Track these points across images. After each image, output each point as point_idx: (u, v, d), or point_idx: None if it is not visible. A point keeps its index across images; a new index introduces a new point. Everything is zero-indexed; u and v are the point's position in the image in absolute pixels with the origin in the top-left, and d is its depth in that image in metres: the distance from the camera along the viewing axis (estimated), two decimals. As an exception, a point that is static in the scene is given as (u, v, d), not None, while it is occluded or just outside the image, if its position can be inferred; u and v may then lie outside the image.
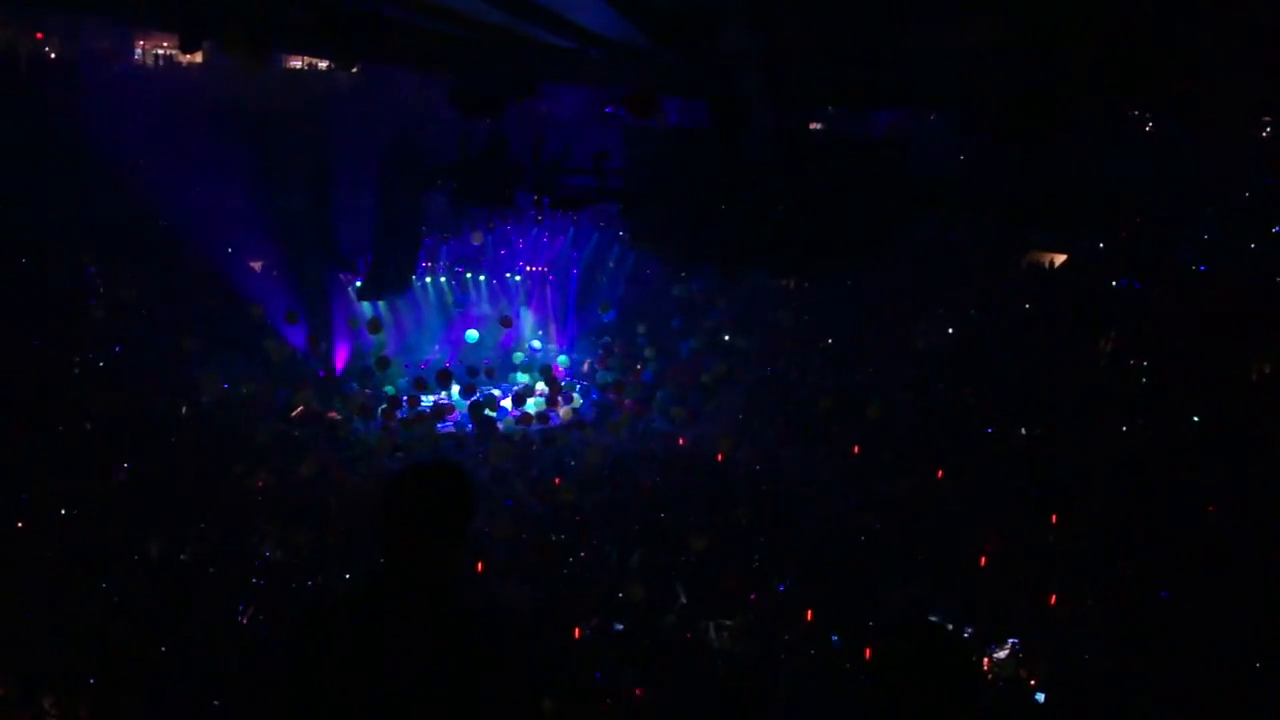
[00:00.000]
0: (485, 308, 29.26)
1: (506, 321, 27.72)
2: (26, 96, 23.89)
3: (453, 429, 23.72)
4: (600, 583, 14.96)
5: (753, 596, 14.47)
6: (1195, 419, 18.81)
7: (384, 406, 23.34)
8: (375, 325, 25.45)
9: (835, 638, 13.29)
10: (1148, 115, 20.78)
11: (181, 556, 14.99)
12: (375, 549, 3.26)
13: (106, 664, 11.92)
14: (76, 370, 21.69)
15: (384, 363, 24.97)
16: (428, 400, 24.07)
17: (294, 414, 22.83)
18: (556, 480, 19.72)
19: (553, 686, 11.44)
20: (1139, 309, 21.67)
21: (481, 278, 29.19)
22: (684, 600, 14.24)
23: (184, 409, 21.18)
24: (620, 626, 13.62)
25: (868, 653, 13.48)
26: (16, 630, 12.75)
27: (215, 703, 11.26)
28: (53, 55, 28.56)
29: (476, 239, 27.90)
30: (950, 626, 13.53)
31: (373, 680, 3.08)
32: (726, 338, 26.54)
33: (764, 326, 26.29)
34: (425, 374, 25.10)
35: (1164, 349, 20.68)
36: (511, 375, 27.61)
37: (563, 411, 24.95)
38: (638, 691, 12.14)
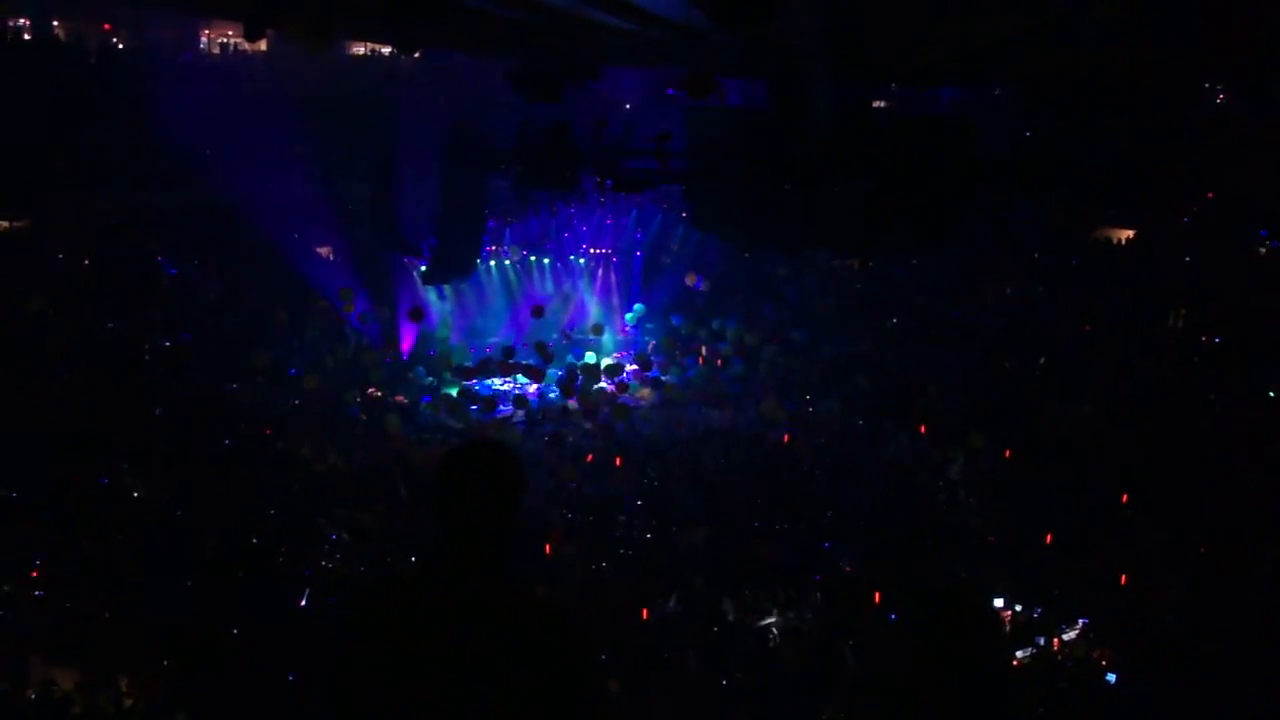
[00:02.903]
0: (550, 288, 29.35)
1: (538, 311, 27.63)
2: (96, 86, 24.24)
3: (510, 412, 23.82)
4: (666, 564, 15.00)
5: (818, 577, 14.44)
6: (1271, 395, 18.55)
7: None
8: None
9: (893, 615, 13.22)
10: (1219, 90, 20.46)
11: (253, 540, 15.19)
12: (435, 528, 3.36)
13: (180, 645, 12.13)
14: (147, 356, 22.03)
15: (446, 352, 25.33)
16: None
17: (361, 397, 23.09)
18: (618, 460, 19.74)
19: (619, 667, 11.49)
20: (1210, 286, 21.35)
21: (546, 261, 29.24)
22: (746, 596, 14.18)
23: (250, 393, 21.41)
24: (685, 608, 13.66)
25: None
26: (93, 614, 13.01)
27: (287, 678, 11.44)
28: (120, 46, 29.02)
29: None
30: (1019, 607, 13.47)
31: (429, 655, 3.17)
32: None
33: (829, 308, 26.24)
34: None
35: (1236, 326, 20.38)
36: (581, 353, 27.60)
37: (644, 392, 24.95)
38: (685, 664, 12.18)
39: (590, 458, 20.17)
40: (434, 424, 22.49)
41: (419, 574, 3.50)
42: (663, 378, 25.06)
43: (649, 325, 28.67)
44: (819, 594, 13.99)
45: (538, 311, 26.81)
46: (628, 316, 28.37)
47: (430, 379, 24.97)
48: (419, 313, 25.59)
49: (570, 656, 3.26)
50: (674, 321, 27.78)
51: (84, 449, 17.33)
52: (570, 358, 26.55)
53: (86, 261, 23.22)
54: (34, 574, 13.81)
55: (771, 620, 13.37)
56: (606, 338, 28.00)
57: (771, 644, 12.99)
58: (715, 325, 26.74)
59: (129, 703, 11.46)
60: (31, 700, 11.35)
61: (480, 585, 3.27)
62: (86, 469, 16.88)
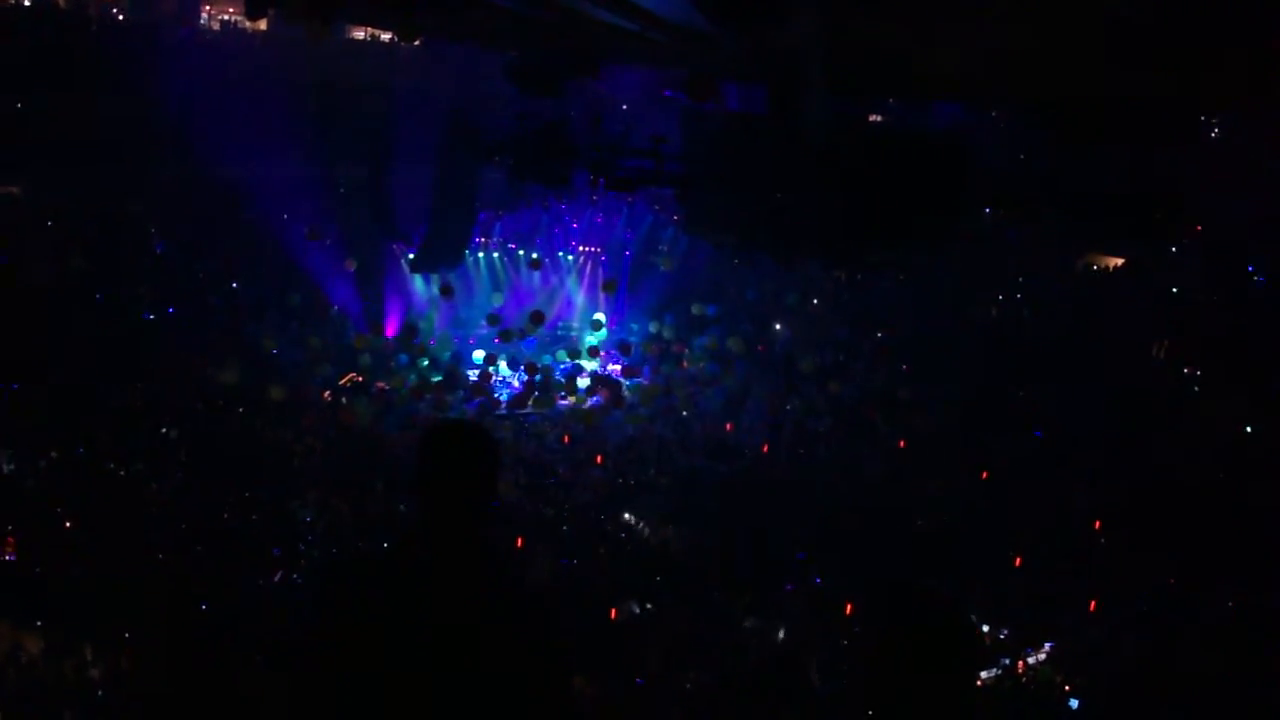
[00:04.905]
0: (536, 282, 29.31)
1: (536, 264, 28.12)
2: (96, 60, 24.07)
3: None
4: (637, 564, 15.00)
5: (789, 588, 14.45)
6: (1247, 430, 18.62)
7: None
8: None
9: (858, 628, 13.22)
10: (1214, 120, 20.52)
11: (224, 516, 15.17)
12: (414, 507, 3.39)
13: (145, 618, 12.11)
14: (132, 329, 21.89)
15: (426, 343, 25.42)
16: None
17: (343, 381, 23.04)
18: (598, 458, 19.76)
19: (586, 665, 11.48)
20: (1195, 317, 21.43)
21: (534, 255, 29.14)
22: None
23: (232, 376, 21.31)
24: (653, 609, 13.65)
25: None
26: (61, 584, 12.98)
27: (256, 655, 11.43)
28: (120, 18, 28.84)
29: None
30: (987, 628, 13.48)
31: (403, 631, 3.18)
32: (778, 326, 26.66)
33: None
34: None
35: (1218, 358, 20.45)
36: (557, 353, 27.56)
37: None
38: (653, 672, 12.17)
39: (566, 438, 20.35)
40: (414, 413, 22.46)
41: (396, 551, 3.50)
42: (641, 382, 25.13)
43: (633, 326, 28.66)
44: (790, 603, 14.01)
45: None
46: (592, 339, 28.30)
47: (424, 362, 24.94)
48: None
49: (542, 638, 3.30)
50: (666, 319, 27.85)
51: (61, 419, 17.25)
52: (547, 358, 26.62)
53: (78, 230, 23.12)
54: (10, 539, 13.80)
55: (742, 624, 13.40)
56: (588, 336, 28.08)
57: (737, 649, 12.99)
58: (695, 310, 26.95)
59: (94, 671, 11.45)
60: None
61: (457, 562, 3.29)
62: (63, 439, 16.81)
